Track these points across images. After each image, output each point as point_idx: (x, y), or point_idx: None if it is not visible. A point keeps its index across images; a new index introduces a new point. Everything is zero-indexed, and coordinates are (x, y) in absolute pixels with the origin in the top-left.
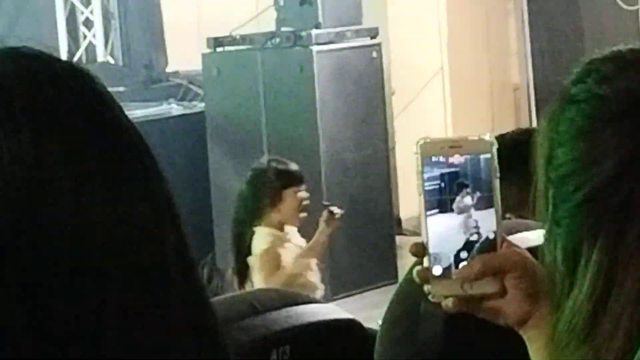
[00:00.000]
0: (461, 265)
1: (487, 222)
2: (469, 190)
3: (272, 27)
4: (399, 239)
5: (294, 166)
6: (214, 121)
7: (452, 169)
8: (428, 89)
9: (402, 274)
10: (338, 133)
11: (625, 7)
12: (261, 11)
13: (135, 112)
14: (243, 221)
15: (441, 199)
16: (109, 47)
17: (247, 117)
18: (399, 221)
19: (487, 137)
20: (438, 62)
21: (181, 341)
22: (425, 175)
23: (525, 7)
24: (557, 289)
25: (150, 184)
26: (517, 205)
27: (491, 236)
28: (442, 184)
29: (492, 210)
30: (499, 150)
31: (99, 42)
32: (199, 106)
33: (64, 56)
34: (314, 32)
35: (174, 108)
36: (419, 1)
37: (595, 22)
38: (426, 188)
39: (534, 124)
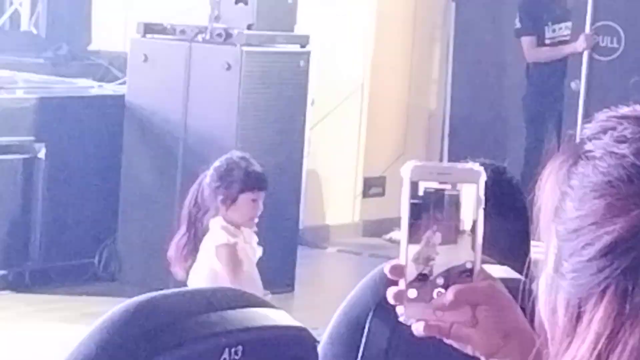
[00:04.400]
0: (436, 290)
1: (467, 251)
2: (452, 217)
3: (204, 22)
4: (299, 248)
5: (258, 168)
6: (133, 106)
7: (438, 196)
8: (346, 104)
9: (298, 284)
10: (255, 136)
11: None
12: (195, 4)
13: (55, 87)
14: (199, 206)
15: (424, 224)
16: (34, 17)
17: (167, 107)
18: (300, 231)
19: (475, 167)
20: (359, 79)
21: None
22: (411, 200)
23: (452, 37)
24: (555, 342)
25: None
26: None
27: (469, 265)
28: (427, 209)
29: (473, 239)
30: None
31: (24, 11)
32: (119, 89)
33: None
34: (246, 32)
35: (94, 87)
36: (349, 17)
37: (519, 58)
38: (410, 212)
39: (445, 151)
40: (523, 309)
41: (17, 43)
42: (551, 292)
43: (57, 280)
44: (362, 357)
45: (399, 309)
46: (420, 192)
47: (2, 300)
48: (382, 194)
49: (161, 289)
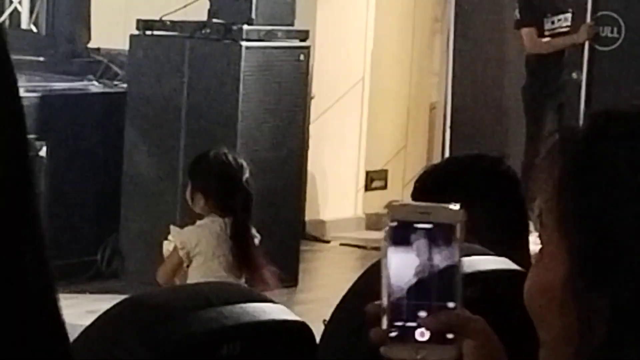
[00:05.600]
0: (418, 331)
1: (448, 290)
2: (432, 257)
3: (203, 17)
4: (302, 243)
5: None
6: (134, 103)
7: (418, 235)
8: (347, 98)
9: (302, 278)
10: (256, 131)
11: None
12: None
13: (57, 85)
14: None
15: (404, 264)
16: (34, 15)
17: (168, 104)
18: (303, 225)
19: (455, 207)
20: (360, 73)
21: (28, 339)
22: (391, 239)
23: (452, 29)
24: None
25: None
26: (483, 229)
27: (451, 305)
28: (407, 248)
29: (454, 279)
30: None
31: (24, 9)
32: (120, 86)
33: None
34: (245, 27)
35: (94, 85)
36: (348, 11)
37: (519, 50)
38: (390, 251)
39: (447, 144)
40: (521, 302)
41: (17, 42)
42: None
43: (59, 278)
44: (361, 349)
45: (382, 349)
46: (401, 232)
47: None
48: (384, 187)
49: None
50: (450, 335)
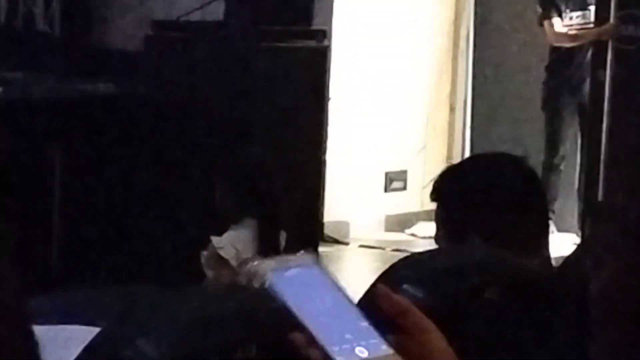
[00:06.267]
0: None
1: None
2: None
3: (219, 17)
4: (321, 244)
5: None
6: (149, 105)
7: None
8: (367, 98)
9: None
10: (274, 133)
11: None
12: (210, 0)
13: (71, 87)
14: None
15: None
16: (48, 17)
17: (183, 104)
18: (322, 226)
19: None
20: (378, 73)
21: None
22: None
23: (472, 29)
24: None
25: None
26: (502, 229)
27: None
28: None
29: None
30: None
31: (38, 11)
32: (134, 87)
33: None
34: (262, 28)
35: (110, 86)
36: (366, 11)
37: (540, 48)
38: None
39: (467, 144)
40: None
41: (31, 43)
42: None
43: None
44: None
45: None
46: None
47: None
48: (404, 188)
49: None
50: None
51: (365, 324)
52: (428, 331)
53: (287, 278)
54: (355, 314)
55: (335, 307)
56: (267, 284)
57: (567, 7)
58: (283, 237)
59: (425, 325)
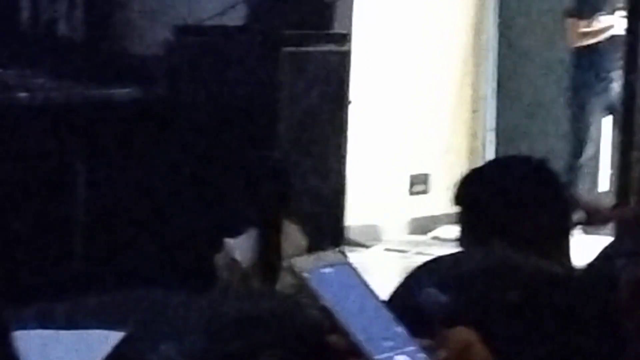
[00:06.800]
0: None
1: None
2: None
3: (241, 22)
4: (344, 248)
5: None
6: (172, 110)
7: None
8: (389, 101)
9: None
10: (296, 136)
11: None
12: (232, 4)
13: (93, 92)
14: None
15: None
16: (71, 22)
17: (205, 109)
18: (344, 230)
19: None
20: (399, 76)
21: None
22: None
23: (495, 29)
24: None
25: None
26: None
27: (399, 330)
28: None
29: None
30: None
31: (60, 17)
32: (157, 93)
33: (23, 26)
34: (283, 32)
35: (132, 92)
36: (386, 13)
37: (564, 49)
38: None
39: (489, 147)
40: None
41: (53, 49)
42: None
43: None
44: None
45: None
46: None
47: None
48: (427, 191)
49: None
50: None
51: (399, 329)
52: (470, 344)
53: (323, 277)
54: (389, 317)
55: (370, 309)
56: (305, 282)
57: (601, 8)
58: (305, 241)
59: (467, 337)
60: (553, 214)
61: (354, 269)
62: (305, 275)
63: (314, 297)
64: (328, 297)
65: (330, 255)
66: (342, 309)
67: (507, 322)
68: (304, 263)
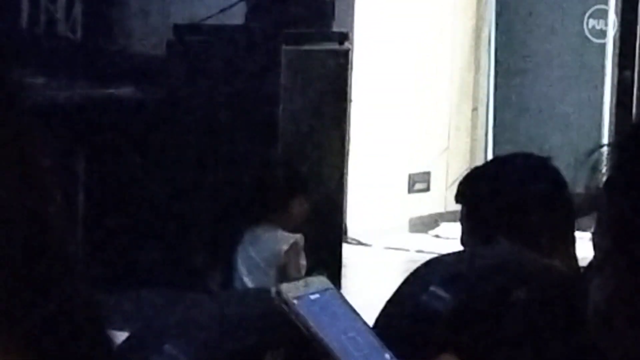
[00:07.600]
0: None
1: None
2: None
3: (241, 21)
4: (345, 247)
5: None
6: (172, 110)
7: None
8: (390, 100)
9: (345, 282)
10: (296, 135)
11: (593, 40)
12: (231, 4)
13: (93, 92)
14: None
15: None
16: (70, 22)
17: (205, 109)
18: (345, 229)
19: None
20: (400, 74)
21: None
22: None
23: (494, 28)
24: None
25: None
26: (529, 230)
27: (387, 356)
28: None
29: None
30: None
31: (60, 16)
32: (157, 93)
33: (23, 25)
34: (283, 30)
35: (132, 91)
36: (387, 12)
37: (564, 47)
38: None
39: (490, 145)
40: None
41: (53, 48)
42: None
43: None
44: None
45: None
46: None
47: None
48: (427, 189)
49: None
50: None
51: (388, 355)
52: None
53: (311, 303)
54: (377, 343)
55: (358, 334)
56: (294, 309)
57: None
58: (302, 240)
59: None
60: (555, 211)
61: (339, 294)
62: (294, 302)
63: (302, 323)
64: (316, 323)
65: (315, 280)
66: (330, 334)
67: (512, 320)
68: (291, 289)
